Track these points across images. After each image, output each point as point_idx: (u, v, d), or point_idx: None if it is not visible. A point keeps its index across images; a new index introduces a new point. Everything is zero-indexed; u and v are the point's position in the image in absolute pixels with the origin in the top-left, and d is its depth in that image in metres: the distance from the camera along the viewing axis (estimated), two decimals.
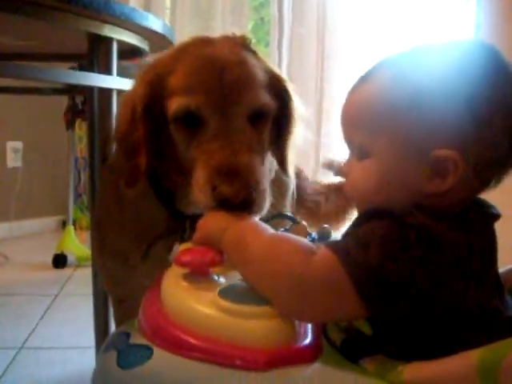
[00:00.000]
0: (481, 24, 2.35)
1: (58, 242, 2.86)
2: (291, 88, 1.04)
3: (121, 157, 1.02)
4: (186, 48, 0.97)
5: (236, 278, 0.79)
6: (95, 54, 1.30)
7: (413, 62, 0.73)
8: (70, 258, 2.81)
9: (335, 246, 0.66)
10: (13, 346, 1.85)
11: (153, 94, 0.95)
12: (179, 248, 0.85)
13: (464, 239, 0.67)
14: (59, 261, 2.76)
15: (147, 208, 1.06)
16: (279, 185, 1.16)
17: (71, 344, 1.88)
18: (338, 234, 1.08)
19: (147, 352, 0.69)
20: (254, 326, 0.67)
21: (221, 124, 0.89)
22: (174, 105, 0.91)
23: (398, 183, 0.72)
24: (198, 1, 3.39)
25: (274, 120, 0.98)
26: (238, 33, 1.02)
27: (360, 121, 0.75)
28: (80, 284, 2.50)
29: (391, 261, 0.63)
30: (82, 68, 1.86)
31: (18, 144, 3.37)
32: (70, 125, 2.91)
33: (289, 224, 1.01)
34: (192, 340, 0.68)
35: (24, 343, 1.88)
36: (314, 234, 1.01)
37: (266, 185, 0.89)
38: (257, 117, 0.94)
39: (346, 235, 0.70)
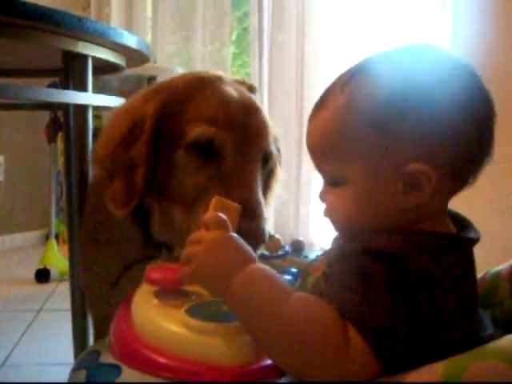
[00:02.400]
0: (457, 32, 2.38)
1: (40, 256, 2.84)
2: (278, 145, 1.09)
3: (104, 174, 0.98)
4: (202, 79, 0.98)
5: (205, 293, 0.79)
6: (70, 71, 1.31)
7: (364, 79, 0.71)
8: (53, 272, 2.79)
9: (366, 331, 0.62)
10: None
11: (165, 115, 0.94)
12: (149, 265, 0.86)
13: (457, 273, 0.69)
14: (42, 275, 2.75)
15: (125, 229, 1.04)
16: None
17: (54, 360, 1.87)
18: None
19: (115, 371, 0.69)
20: (221, 343, 0.67)
21: (238, 161, 0.92)
22: (196, 131, 0.91)
23: (376, 204, 0.72)
24: (179, 11, 3.42)
25: None
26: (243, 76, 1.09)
27: (325, 150, 0.74)
28: (63, 298, 2.43)
29: (401, 318, 0.63)
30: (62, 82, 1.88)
31: (0, 158, 3.35)
32: (51, 139, 2.90)
33: None
34: (160, 358, 0.68)
35: (6, 360, 1.87)
36: (288, 247, 1.02)
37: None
38: (263, 162, 0.98)
39: (341, 273, 0.68)
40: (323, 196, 0.78)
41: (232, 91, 0.97)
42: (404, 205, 0.70)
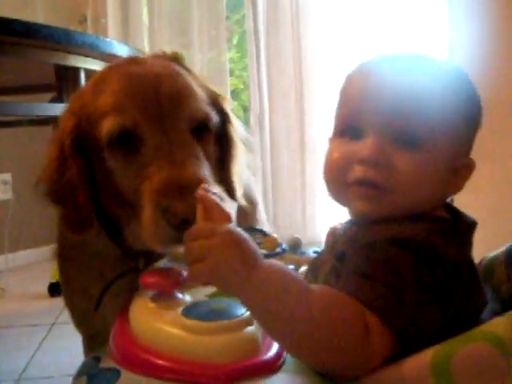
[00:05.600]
0: (454, 43, 2.38)
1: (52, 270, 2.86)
2: (228, 105, 0.98)
3: (52, 204, 0.93)
4: (110, 69, 0.91)
5: (200, 294, 0.80)
6: (64, 84, 1.33)
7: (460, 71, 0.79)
8: None
9: (386, 315, 0.64)
10: (10, 378, 1.85)
11: (81, 123, 0.87)
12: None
13: (470, 256, 0.73)
14: (54, 289, 2.76)
15: (102, 246, 0.97)
16: None
17: (69, 372, 1.87)
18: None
19: (115, 375, 0.70)
20: (215, 342, 0.68)
21: (161, 141, 0.81)
22: (106, 126, 0.82)
23: (443, 179, 0.75)
24: (175, 19, 3.43)
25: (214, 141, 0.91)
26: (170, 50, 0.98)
27: (427, 112, 0.72)
28: None
29: (425, 305, 0.65)
30: None
31: (7, 176, 3.39)
32: None
33: (258, 236, 1.03)
34: (157, 360, 0.69)
35: (21, 374, 1.88)
36: (285, 245, 1.02)
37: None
38: (199, 130, 0.86)
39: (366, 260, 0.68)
40: (384, 157, 0.72)
41: (139, 68, 0.87)
42: (450, 188, 0.77)
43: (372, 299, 0.64)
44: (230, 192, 0.98)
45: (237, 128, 0.98)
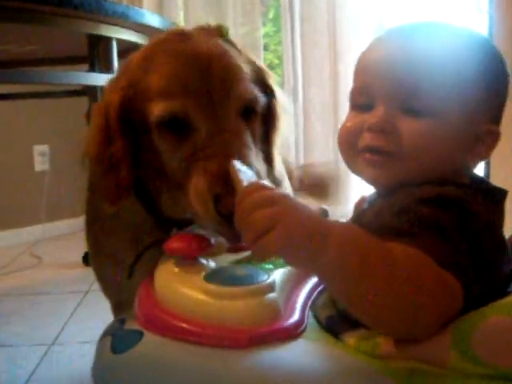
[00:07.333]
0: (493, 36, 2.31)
1: None
2: (273, 80, 0.98)
3: (97, 174, 0.94)
4: (159, 45, 0.91)
5: (224, 261, 0.81)
6: (96, 54, 1.34)
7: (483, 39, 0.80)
8: None
9: (458, 272, 0.62)
10: (44, 343, 1.91)
11: (128, 99, 0.88)
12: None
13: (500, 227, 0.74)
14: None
15: (135, 214, 0.99)
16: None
17: None
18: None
19: (137, 336, 0.72)
20: (236, 306, 0.69)
21: (212, 126, 0.83)
22: (156, 110, 0.84)
23: (463, 146, 0.75)
24: None
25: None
26: (214, 23, 0.97)
27: (434, 81, 0.72)
28: None
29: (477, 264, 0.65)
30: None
31: (45, 147, 3.45)
32: None
33: None
34: (180, 323, 0.70)
35: (56, 338, 1.94)
36: None
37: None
38: (248, 112, 0.88)
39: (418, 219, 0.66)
40: (391, 125, 0.74)
41: (187, 46, 0.87)
42: (471, 157, 0.76)
43: (445, 257, 0.63)
44: (269, 163, 0.98)
45: (281, 102, 0.99)
